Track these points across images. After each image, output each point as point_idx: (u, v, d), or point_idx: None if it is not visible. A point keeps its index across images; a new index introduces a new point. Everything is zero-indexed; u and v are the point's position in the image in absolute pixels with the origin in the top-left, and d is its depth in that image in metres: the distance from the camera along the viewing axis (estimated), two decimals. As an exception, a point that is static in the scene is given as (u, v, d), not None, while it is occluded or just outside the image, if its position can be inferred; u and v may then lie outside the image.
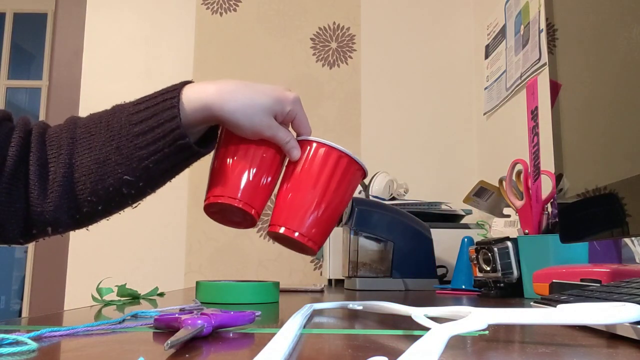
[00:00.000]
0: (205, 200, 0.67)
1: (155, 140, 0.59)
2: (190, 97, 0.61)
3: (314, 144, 0.68)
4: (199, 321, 0.38)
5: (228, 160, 0.67)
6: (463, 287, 1.01)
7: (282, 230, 0.64)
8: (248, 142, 0.66)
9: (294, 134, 0.69)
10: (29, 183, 0.59)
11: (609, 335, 0.40)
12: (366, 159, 1.86)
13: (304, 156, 0.67)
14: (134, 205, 0.65)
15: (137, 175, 0.60)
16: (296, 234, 0.64)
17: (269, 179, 0.68)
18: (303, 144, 0.68)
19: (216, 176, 0.67)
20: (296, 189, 0.66)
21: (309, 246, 0.65)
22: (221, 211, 0.68)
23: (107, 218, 0.64)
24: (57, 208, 0.59)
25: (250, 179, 0.66)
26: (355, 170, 0.71)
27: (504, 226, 1.09)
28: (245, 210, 0.65)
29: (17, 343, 0.35)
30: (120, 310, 0.65)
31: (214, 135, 0.68)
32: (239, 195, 0.65)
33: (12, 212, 0.59)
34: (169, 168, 0.62)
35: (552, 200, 0.88)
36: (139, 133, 0.59)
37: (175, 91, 0.61)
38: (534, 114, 0.88)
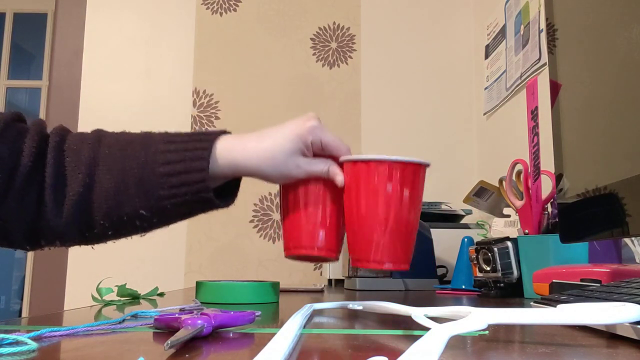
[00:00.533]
0: (285, 251, 0.69)
1: (179, 186, 0.59)
2: (221, 153, 0.61)
3: (359, 163, 0.63)
4: (199, 321, 0.38)
5: (296, 208, 0.67)
6: (463, 287, 1.01)
7: (387, 266, 0.62)
8: (305, 186, 0.66)
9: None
10: (43, 193, 0.58)
11: (609, 335, 0.40)
12: (366, 159, 1.86)
13: (355, 179, 0.63)
14: (143, 234, 0.65)
15: (153, 211, 0.60)
16: (386, 265, 0.62)
17: (340, 216, 0.67)
18: (348, 166, 0.65)
19: (289, 226, 0.68)
20: (362, 218, 0.63)
21: (402, 269, 0.64)
22: (303, 256, 0.69)
23: (114, 241, 0.64)
24: (68, 224, 0.58)
25: (323, 223, 0.67)
26: (411, 172, 0.64)
27: (504, 226, 1.09)
28: (325, 256, 0.65)
29: (17, 343, 0.35)
30: (120, 310, 0.65)
31: (236, 185, 0.68)
32: (317, 244, 0.66)
33: (21, 219, 0.57)
34: (186, 212, 0.62)
35: (552, 200, 0.88)
36: (165, 174, 0.59)
37: (208, 142, 0.61)
38: (534, 114, 0.88)
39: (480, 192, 1.30)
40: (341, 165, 0.65)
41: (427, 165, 0.66)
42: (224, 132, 0.64)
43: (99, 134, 0.62)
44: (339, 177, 0.64)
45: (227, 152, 0.61)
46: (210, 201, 0.60)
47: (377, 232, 0.62)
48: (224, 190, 0.66)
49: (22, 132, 0.59)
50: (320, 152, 0.66)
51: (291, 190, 0.67)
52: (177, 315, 0.42)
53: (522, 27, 1.45)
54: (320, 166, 0.65)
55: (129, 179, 0.59)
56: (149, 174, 0.59)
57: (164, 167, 0.59)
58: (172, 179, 0.59)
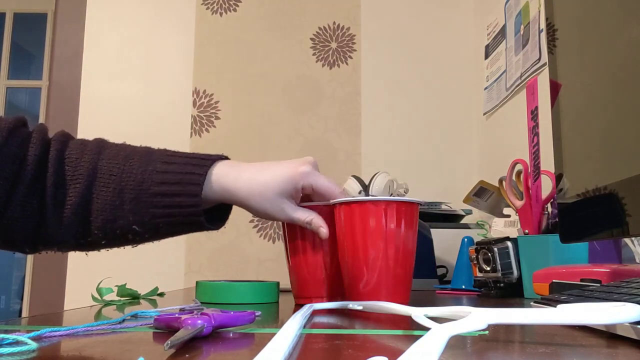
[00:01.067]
0: (295, 299, 0.73)
1: (172, 207, 0.61)
2: (215, 178, 0.63)
3: (353, 205, 0.64)
4: (199, 321, 0.38)
5: (301, 258, 0.71)
6: (463, 287, 1.01)
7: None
8: (310, 235, 0.69)
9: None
10: (44, 202, 0.59)
11: (609, 335, 0.40)
12: (366, 159, 1.86)
13: (350, 223, 0.65)
14: (135, 246, 0.66)
15: (145, 228, 0.62)
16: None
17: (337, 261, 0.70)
18: (341, 208, 0.66)
19: (297, 276, 0.72)
20: (358, 261, 0.64)
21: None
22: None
23: (107, 250, 0.66)
24: (67, 232, 0.60)
25: (328, 272, 0.70)
26: (401, 211, 0.65)
27: (504, 226, 1.09)
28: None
29: (17, 343, 0.35)
30: (120, 310, 0.65)
31: (228, 208, 0.70)
32: (325, 292, 0.70)
33: (24, 226, 0.59)
34: (177, 231, 0.64)
35: (552, 200, 0.88)
36: (159, 193, 0.61)
37: (205, 167, 0.62)
38: (534, 114, 0.88)
39: (480, 192, 1.30)
40: (335, 207, 0.68)
41: (420, 204, 0.69)
42: (222, 158, 0.66)
43: (100, 145, 0.63)
44: (323, 230, 0.66)
45: (222, 178, 0.63)
46: (201, 224, 0.62)
47: (375, 270, 0.64)
48: (216, 211, 0.67)
49: (26, 139, 0.60)
50: (312, 194, 0.68)
51: (303, 237, 0.70)
52: (177, 315, 0.42)
53: (522, 27, 1.45)
54: (304, 216, 0.66)
55: (125, 195, 0.60)
56: (144, 193, 0.61)
57: (160, 186, 0.61)
58: (166, 200, 0.60)
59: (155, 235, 0.64)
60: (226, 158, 0.67)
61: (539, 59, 1.32)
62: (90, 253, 0.70)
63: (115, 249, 0.68)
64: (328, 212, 0.71)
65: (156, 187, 0.60)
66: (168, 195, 0.60)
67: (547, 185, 0.90)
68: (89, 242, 0.63)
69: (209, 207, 0.65)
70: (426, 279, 1.13)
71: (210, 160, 0.64)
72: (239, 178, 0.63)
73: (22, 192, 0.58)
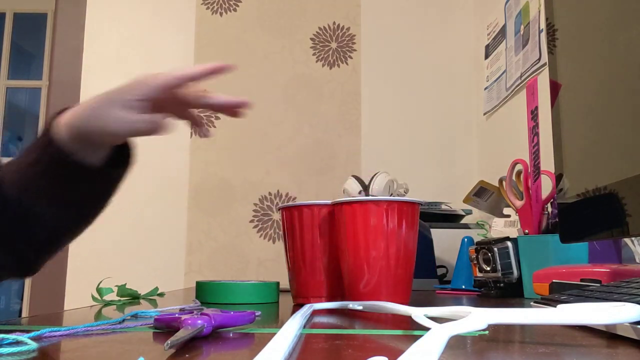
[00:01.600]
0: (294, 299, 0.74)
1: (37, 152, 0.61)
2: (63, 121, 0.61)
3: (354, 205, 0.65)
4: (199, 321, 0.38)
5: (301, 258, 0.71)
6: (463, 287, 1.01)
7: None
8: (310, 235, 0.70)
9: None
10: None
11: (609, 335, 0.40)
12: (366, 158, 1.86)
13: (352, 223, 0.65)
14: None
15: (33, 198, 0.61)
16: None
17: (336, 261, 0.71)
18: (342, 208, 0.66)
19: (296, 276, 0.73)
20: (359, 262, 0.65)
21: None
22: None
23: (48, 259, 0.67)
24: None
25: (328, 272, 0.71)
26: (402, 211, 0.65)
27: (504, 226, 1.09)
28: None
29: (17, 343, 0.35)
30: (120, 310, 0.65)
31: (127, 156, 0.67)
32: (324, 292, 0.71)
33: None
34: (69, 187, 0.62)
35: (552, 200, 0.88)
36: (25, 156, 0.62)
37: (47, 124, 0.63)
38: (534, 114, 0.88)
39: (480, 192, 1.30)
40: (335, 207, 0.68)
41: (420, 204, 0.69)
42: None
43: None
44: (164, 128, 0.59)
45: (66, 118, 0.61)
46: (75, 163, 0.60)
47: (378, 269, 0.64)
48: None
49: None
50: (185, 101, 0.64)
51: (303, 235, 0.71)
52: (177, 315, 0.42)
53: (522, 27, 1.45)
54: (147, 120, 0.59)
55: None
56: (20, 165, 0.62)
57: (25, 157, 0.62)
58: (31, 155, 0.61)
59: (60, 201, 0.62)
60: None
61: (539, 59, 1.32)
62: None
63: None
64: (328, 212, 0.71)
65: (23, 159, 0.61)
66: (31, 152, 0.61)
67: (547, 185, 0.90)
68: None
69: (95, 157, 0.62)
70: (426, 279, 1.13)
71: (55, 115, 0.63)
72: (78, 107, 0.61)
73: None
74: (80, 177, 0.61)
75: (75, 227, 0.65)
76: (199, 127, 0.67)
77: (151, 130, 0.59)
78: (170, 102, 0.64)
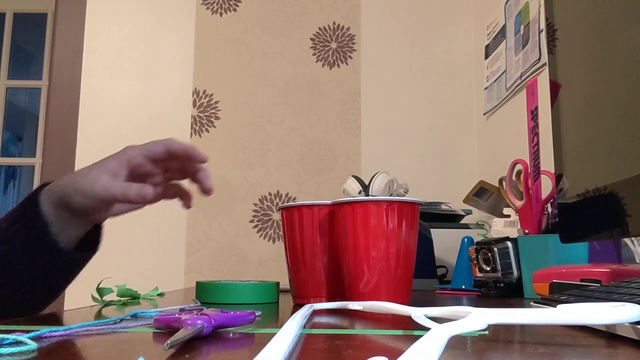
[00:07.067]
0: (294, 299, 0.74)
1: (19, 227, 0.62)
2: (49, 191, 0.63)
3: (354, 205, 0.65)
4: (199, 321, 0.38)
5: (300, 258, 0.72)
6: (463, 287, 1.01)
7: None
8: (310, 235, 0.70)
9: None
10: None
11: (609, 335, 0.40)
12: (366, 158, 1.86)
13: (352, 223, 0.65)
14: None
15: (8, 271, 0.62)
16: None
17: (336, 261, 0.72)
18: (342, 208, 0.66)
19: (296, 276, 0.73)
20: (358, 260, 0.65)
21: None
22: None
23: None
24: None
25: (328, 272, 0.71)
26: (403, 211, 0.65)
27: (504, 226, 1.09)
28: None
29: (17, 343, 0.35)
30: (120, 310, 0.65)
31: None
32: (324, 292, 0.71)
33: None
34: (36, 263, 0.64)
35: (552, 200, 0.88)
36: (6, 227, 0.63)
37: (35, 192, 0.64)
38: (534, 114, 0.88)
39: (480, 192, 1.30)
40: (335, 207, 0.68)
41: (420, 204, 0.69)
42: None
43: None
44: (133, 195, 0.61)
45: (51, 188, 0.63)
46: (52, 243, 0.62)
47: (379, 269, 0.64)
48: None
49: None
50: (170, 163, 0.68)
51: (301, 235, 0.71)
52: (177, 315, 0.42)
53: (522, 27, 1.45)
54: (124, 187, 0.61)
55: None
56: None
57: (6, 222, 0.63)
58: (12, 227, 0.62)
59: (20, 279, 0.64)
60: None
61: (539, 59, 1.32)
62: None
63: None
64: (328, 212, 0.71)
65: (3, 224, 0.62)
66: (13, 222, 0.62)
67: (547, 185, 0.90)
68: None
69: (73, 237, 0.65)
70: (426, 279, 1.13)
71: (34, 191, 0.64)
72: (62, 178, 0.64)
73: None
74: (51, 253, 0.64)
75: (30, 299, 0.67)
76: (187, 199, 0.71)
77: (131, 197, 0.61)
78: (160, 172, 0.68)
